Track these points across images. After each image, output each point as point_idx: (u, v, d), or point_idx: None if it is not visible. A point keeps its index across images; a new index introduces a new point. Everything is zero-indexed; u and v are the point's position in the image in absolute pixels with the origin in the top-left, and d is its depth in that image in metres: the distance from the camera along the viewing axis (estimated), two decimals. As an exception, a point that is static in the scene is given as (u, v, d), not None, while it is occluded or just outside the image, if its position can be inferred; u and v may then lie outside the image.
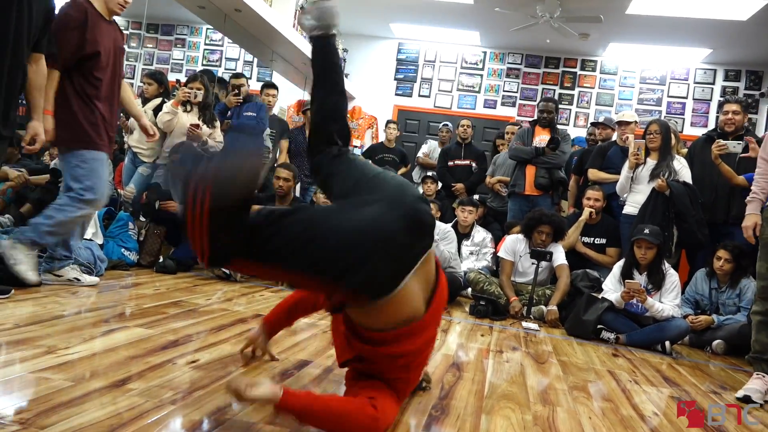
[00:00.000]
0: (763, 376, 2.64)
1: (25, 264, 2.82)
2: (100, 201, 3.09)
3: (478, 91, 8.36)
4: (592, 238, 4.73)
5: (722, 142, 4.09)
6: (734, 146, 4.05)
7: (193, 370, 1.92)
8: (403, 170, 6.62)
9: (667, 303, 3.69)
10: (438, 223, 4.51)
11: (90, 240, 3.56)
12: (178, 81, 6.63)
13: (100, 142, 3.05)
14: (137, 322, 2.48)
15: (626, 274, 3.81)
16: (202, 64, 8.88)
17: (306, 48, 6.45)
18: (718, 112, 5.56)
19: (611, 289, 3.88)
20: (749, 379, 2.70)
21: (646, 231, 3.77)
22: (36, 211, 4.33)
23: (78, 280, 3.13)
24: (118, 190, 4.59)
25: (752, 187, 2.92)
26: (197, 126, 4.55)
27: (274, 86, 5.76)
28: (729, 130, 4.35)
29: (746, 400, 2.53)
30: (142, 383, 1.73)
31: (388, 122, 7.02)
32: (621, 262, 3.96)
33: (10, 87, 2.51)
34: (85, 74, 2.99)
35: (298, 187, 5.71)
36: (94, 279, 3.26)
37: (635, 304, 3.74)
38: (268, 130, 5.56)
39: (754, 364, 2.72)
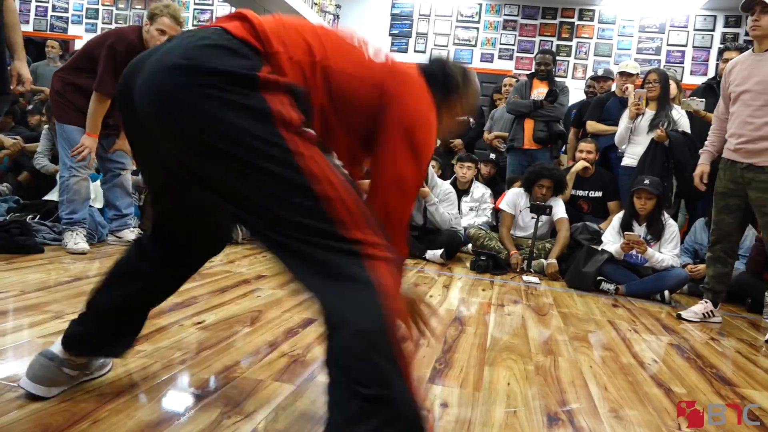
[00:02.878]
0: (706, 302, 3.16)
1: (71, 241, 3.09)
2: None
3: (475, 45, 8.22)
4: (587, 191, 4.73)
5: (683, 100, 4.23)
6: (696, 104, 4.04)
7: (199, 331, 1.95)
8: None
9: (667, 253, 3.73)
10: (438, 182, 4.51)
11: (90, 206, 3.56)
12: (169, 42, 6.51)
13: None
14: (142, 285, 2.50)
15: (626, 226, 3.83)
16: (193, 25, 8.71)
17: (298, 5, 6.31)
18: (718, 60, 5.48)
19: (611, 240, 3.90)
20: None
21: (646, 182, 3.77)
22: (33, 178, 4.34)
23: None
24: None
25: (706, 141, 3.31)
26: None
27: None
28: (729, 78, 4.30)
29: (679, 317, 3.15)
30: (151, 345, 1.75)
31: None
32: (620, 214, 3.97)
33: None
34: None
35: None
36: None
37: (635, 255, 3.77)
38: None
39: (704, 292, 3.23)
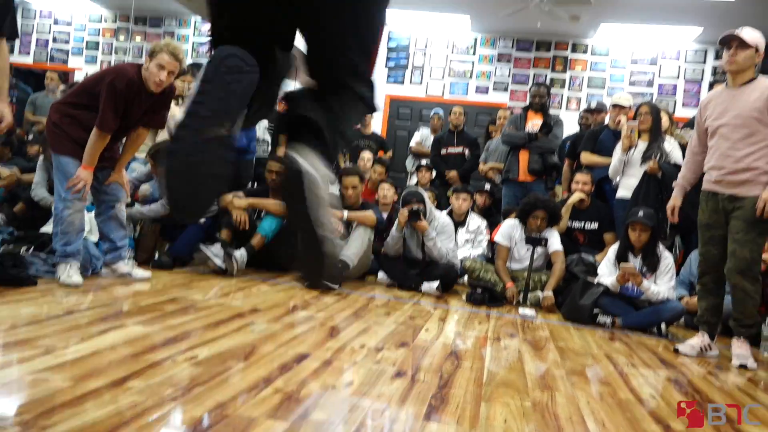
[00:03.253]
0: (703, 335, 3.16)
1: (64, 274, 3.07)
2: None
3: (470, 77, 8.33)
4: (583, 222, 4.74)
5: (678, 131, 4.22)
6: (689, 136, 4.04)
7: (192, 366, 1.93)
8: (385, 155, 6.56)
9: (662, 285, 3.72)
10: (436, 214, 4.52)
11: (85, 237, 3.55)
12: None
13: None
14: (135, 319, 2.48)
15: (621, 258, 3.83)
16: (192, 57, 8.81)
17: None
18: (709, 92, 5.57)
19: (606, 272, 3.90)
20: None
21: (641, 213, 3.79)
22: (28, 209, 4.33)
23: (131, 274, 3.43)
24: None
25: (678, 175, 3.39)
26: (189, 120, 4.52)
27: None
28: (720, 111, 4.36)
29: (676, 350, 3.15)
30: (142, 381, 1.73)
31: None
32: (616, 246, 3.98)
33: None
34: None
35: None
36: (146, 273, 3.51)
37: (631, 288, 3.76)
38: (266, 123, 5.53)
39: (698, 325, 3.23)
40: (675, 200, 3.34)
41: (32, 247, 3.43)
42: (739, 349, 2.98)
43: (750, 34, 2.96)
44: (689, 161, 3.31)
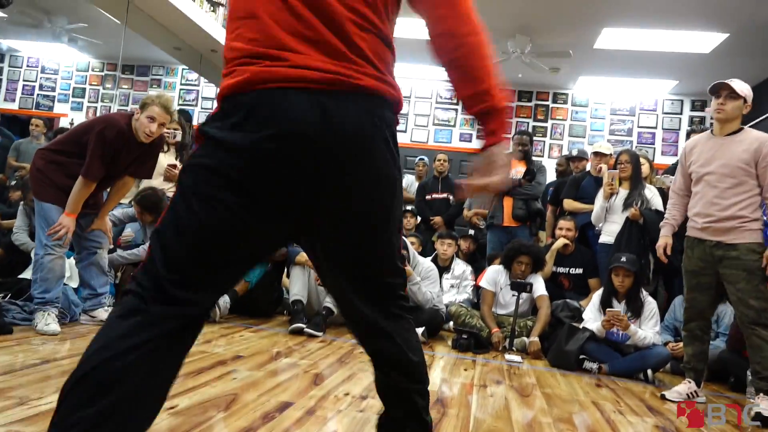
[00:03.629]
0: (689, 382, 3.12)
1: (41, 322, 3.01)
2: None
3: (454, 125, 8.48)
4: (567, 268, 4.76)
5: (658, 177, 4.30)
6: (670, 181, 4.15)
7: (171, 417, 1.87)
8: None
9: (648, 330, 3.72)
10: (420, 260, 4.51)
11: (65, 284, 3.49)
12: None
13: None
14: (113, 368, 2.42)
15: (606, 303, 3.84)
16: (178, 104, 8.89)
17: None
18: (686, 141, 5.72)
19: (591, 318, 3.90)
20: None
21: (623, 259, 3.82)
22: (7, 254, 4.26)
23: None
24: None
25: (666, 214, 3.39)
26: (174, 166, 4.53)
27: None
28: (697, 159, 4.46)
29: (662, 397, 3.11)
30: (119, 432, 1.67)
31: None
32: (600, 291, 3.99)
33: None
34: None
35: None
36: None
37: (616, 333, 3.76)
38: None
39: (685, 371, 3.20)
40: (665, 239, 3.31)
41: (9, 294, 3.36)
42: (764, 402, 2.77)
43: (740, 85, 3.01)
44: (676, 202, 3.30)
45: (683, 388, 3.12)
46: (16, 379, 2.11)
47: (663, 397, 3.11)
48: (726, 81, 3.03)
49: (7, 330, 2.86)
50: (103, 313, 3.39)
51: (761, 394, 2.85)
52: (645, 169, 4.68)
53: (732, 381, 3.70)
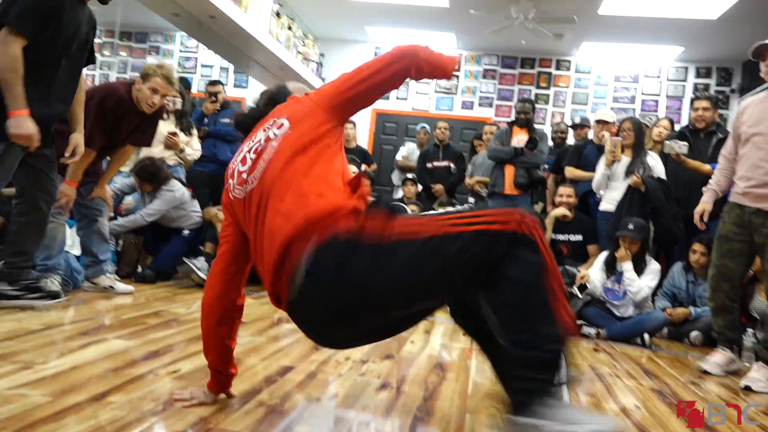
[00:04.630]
0: (724, 350, 3.05)
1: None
2: None
3: (455, 93, 8.40)
4: (568, 235, 4.77)
5: (667, 142, 4.20)
6: (679, 147, 4.08)
7: (174, 381, 1.91)
8: (369, 167, 6.58)
9: (644, 280, 3.81)
10: None
11: (67, 252, 3.51)
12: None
13: None
14: (116, 333, 2.45)
15: (610, 265, 3.91)
16: (177, 72, 8.80)
17: (283, 54, 6.44)
18: (690, 109, 5.66)
19: (597, 277, 3.96)
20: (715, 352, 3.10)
21: (631, 227, 3.84)
22: (8, 224, 4.27)
23: (113, 288, 3.38)
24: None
25: (710, 179, 3.21)
26: (174, 134, 4.51)
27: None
28: (700, 127, 4.44)
29: (704, 371, 3.00)
30: (123, 396, 1.71)
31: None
32: (605, 253, 4.03)
33: None
34: None
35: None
36: (128, 287, 3.47)
37: (617, 291, 3.82)
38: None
39: (718, 341, 3.11)
40: (705, 205, 3.14)
41: (12, 262, 3.38)
42: (756, 374, 2.77)
43: None
44: (723, 166, 3.12)
45: (719, 358, 3.02)
46: (21, 344, 2.14)
47: (703, 371, 3.00)
48: (766, 41, 2.84)
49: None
50: (105, 280, 3.42)
51: (761, 363, 2.83)
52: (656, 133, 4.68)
53: (728, 346, 3.74)
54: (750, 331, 3.43)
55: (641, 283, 3.76)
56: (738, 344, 3.13)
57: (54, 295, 2.82)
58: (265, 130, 1.58)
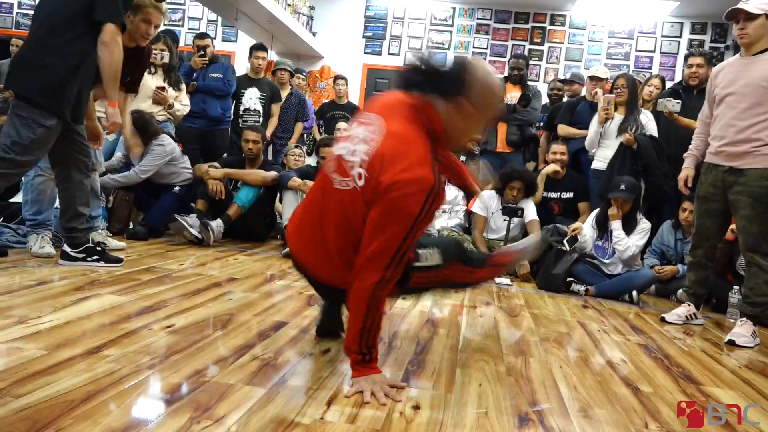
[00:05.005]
0: (689, 305, 3.21)
1: (36, 245, 3.01)
2: None
3: (448, 48, 8.27)
4: (559, 193, 4.79)
5: (660, 100, 4.18)
6: (672, 105, 4.06)
7: (169, 335, 1.92)
8: None
9: (633, 238, 3.87)
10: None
11: (57, 208, 3.48)
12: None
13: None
14: (110, 289, 2.46)
15: (601, 222, 3.94)
16: (164, 25, 8.59)
17: (273, 6, 6.28)
18: (683, 66, 5.61)
19: (589, 233, 4.02)
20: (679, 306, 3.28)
21: (623, 187, 3.85)
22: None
23: (104, 244, 3.34)
24: None
25: (690, 145, 3.27)
26: (163, 89, 4.43)
27: (264, 48, 5.57)
28: (693, 84, 4.40)
29: (662, 319, 3.19)
30: (118, 350, 1.72)
31: (336, 78, 6.84)
32: (597, 211, 4.07)
33: None
34: None
35: (270, 149, 5.63)
36: (120, 243, 3.46)
37: (606, 249, 3.87)
38: (258, 93, 5.44)
39: (687, 295, 3.25)
40: (688, 170, 3.23)
41: (2, 218, 3.36)
42: (740, 329, 2.85)
43: (755, 3, 2.84)
44: (700, 131, 3.19)
45: (683, 310, 3.19)
46: (14, 299, 2.14)
47: (663, 320, 3.18)
48: (738, 6, 2.87)
49: (2, 252, 2.87)
50: (96, 236, 3.40)
51: (745, 318, 2.91)
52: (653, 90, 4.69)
53: (714, 302, 3.82)
54: (736, 288, 3.48)
55: (629, 241, 3.80)
56: (704, 302, 3.29)
57: (115, 260, 2.96)
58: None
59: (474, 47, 8.20)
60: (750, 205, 2.86)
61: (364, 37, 8.40)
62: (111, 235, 3.62)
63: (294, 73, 6.07)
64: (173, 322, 2.08)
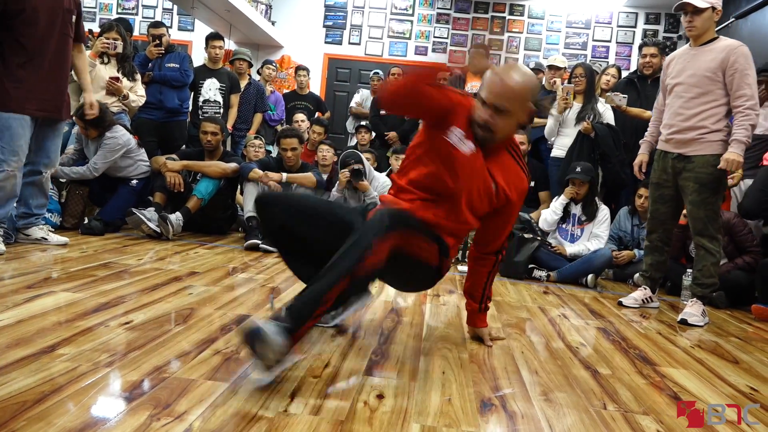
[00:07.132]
0: (645, 289, 3.30)
1: None
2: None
3: (409, 38, 8.27)
4: (520, 182, 4.85)
5: (608, 94, 4.37)
6: (619, 99, 4.21)
7: (127, 332, 1.88)
8: (323, 115, 6.52)
9: (600, 232, 4.05)
10: (376, 175, 4.51)
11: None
12: (90, 31, 6.22)
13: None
14: (64, 286, 2.39)
15: (564, 207, 4.11)
16: (117, 13, 8.35)
17: (229, -6, 6.16)
18: (638, 55, 5.74)
19: (549, 218, 4.16)
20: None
21: (578, 169, 3.98)
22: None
23: (45, 239, 3.25)
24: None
25: (646, 132, 3.39)
26: (117, 79, 4.31)
27: (220, 37, 5.46)
28: (647, 73, 4.51)
29: (620, 303, 3.27)
30: (74, 348, 1.67)
31: (298, 69, 6.79)
32: (560, 198, 4.14)
33: None
34: (13, 34, 2.92)
35: (228, 141, 5.54)
36: (62, 239, 3.32)
37: (569, 231, 3.99)
38: (217, 84, 5.33)
39: (643, 279, 3.35)
40: (643, 156, 3.34)
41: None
42: (691, 309, 3.00)
43: None
44: (656, 118, 3.30)
45: (639, 294, 3.29)
46: (-38, 299, 2.06)
47: (620, 304, 3.27)
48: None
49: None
50: (37, 231, 3.26)
51: (695, 299, 3.05)
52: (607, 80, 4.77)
53: (668, 285, 3.94)
54: (689, 271, 3.59)
55: (589, 246, 3.98)
56: (659, 285, 3.40)
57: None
58: None
59: (435, 37, 8.22)
60: (697, 191, 3.00)
61: (324, 26, 8.33)
62: (63, 229, 3.50)
63: (252, 63, 5.97)
64: (132, 318, 2.03)
